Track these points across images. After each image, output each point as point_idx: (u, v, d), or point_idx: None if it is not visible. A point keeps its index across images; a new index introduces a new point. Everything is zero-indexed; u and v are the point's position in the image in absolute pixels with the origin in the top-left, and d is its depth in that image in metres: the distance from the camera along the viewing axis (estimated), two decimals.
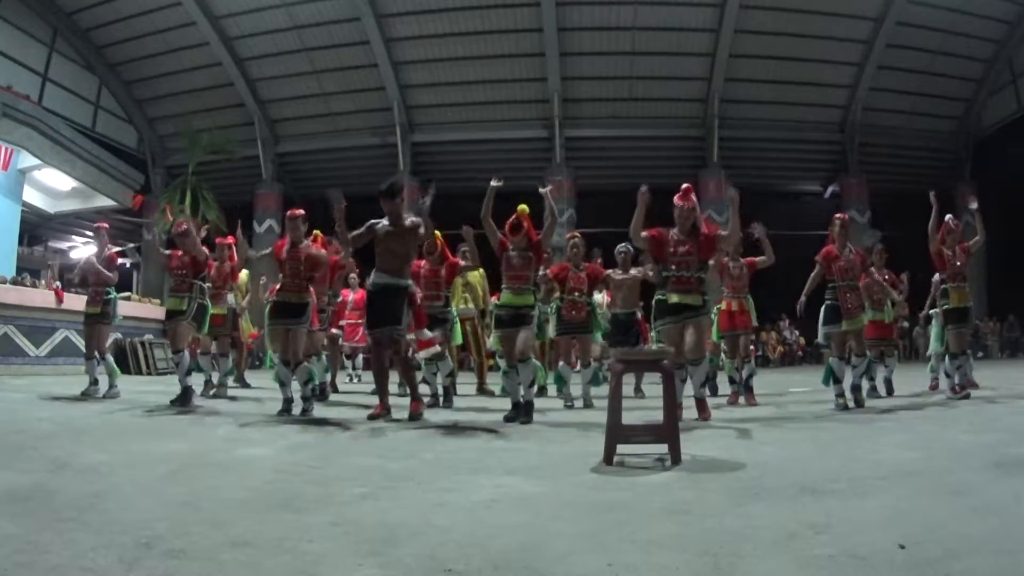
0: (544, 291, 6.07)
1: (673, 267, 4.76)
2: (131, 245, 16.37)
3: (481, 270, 7.51)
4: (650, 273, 6.00)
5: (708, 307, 4.99)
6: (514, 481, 2.64)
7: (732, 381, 6.55)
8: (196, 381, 6.30)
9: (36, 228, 18.37)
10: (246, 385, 8.34)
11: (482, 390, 7.65)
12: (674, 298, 4.75)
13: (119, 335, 10.67)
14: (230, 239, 7.25)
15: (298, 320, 5.27)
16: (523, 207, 5.06)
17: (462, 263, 6.48)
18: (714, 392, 6.91)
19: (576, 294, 6.04)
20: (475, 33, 17.44)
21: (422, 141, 19.28)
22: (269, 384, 6.03)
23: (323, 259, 5.61)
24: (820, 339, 5.96)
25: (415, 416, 4.78)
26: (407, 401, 5.07)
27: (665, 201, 4.94)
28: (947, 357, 6.19)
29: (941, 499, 2.24)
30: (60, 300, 10.35)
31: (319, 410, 5.41)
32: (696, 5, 17.00)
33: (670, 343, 4.68)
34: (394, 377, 5.21)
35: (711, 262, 5.66)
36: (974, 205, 6.76)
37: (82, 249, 18.58)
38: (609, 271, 6.57)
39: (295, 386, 5.20)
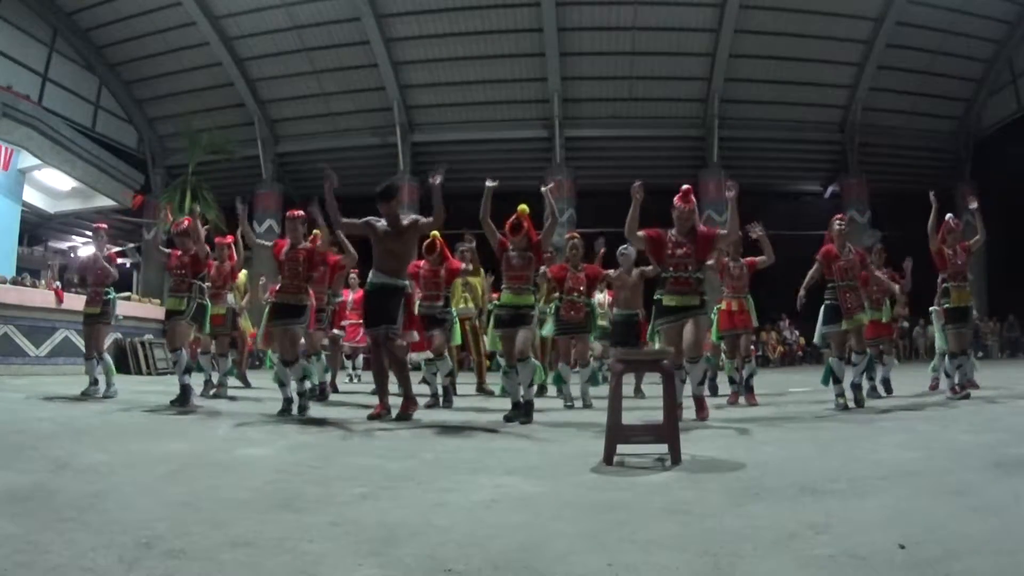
0: (544, 291, 6.06)
1: (671, 268, 4.76)
2: (131, 245, 16.38)
3: (483, 274, 7.51)
4: (649, 268, 6.01)
5: (707, 306, 4.99)
6: (514, 481, 2.63)
7: (732, 381, 6.55)
8: (196, 381, 6.30)
9: (36, 228, 18.36)
10: (247, 384, 8.35)
11: (482, 390, 7.66)
12: (672, 301, 4.76)
13: (119, 335, 10.68)
14: (229, 239, 7.26)
15: (296, 320, 5.31)
16: (523, 207, 5.06)
17: (463, 266, 6.48)
18: (714, 392, 6.92)
19: (575, 294, 6.04)
20: (475, 33, 17.44)
21: (422, 141, 19.27)
22: (269, 384, 6.03)
23: (322, 254, 5.63)
24: (816, 340, 5.97)
25: (404, 416, 4.77)
26: None
27: (665, 201, 4.93)
28: (947, 357, 6.20)
29: (941, 499, 2.23)
30: (60, 300, 10.34)
31: (319, 410, 5.41)
32: (696, 5, 17.00)
33: (669, 343, 4.69)
34: (394, 377, 5.20)
35: (710, 261, 5.66)
36: (974, 205, 6.75)
37: (82, 249, 18.58)
38: (609, 271, 6.57)
39: (294, 386, 5.21)
